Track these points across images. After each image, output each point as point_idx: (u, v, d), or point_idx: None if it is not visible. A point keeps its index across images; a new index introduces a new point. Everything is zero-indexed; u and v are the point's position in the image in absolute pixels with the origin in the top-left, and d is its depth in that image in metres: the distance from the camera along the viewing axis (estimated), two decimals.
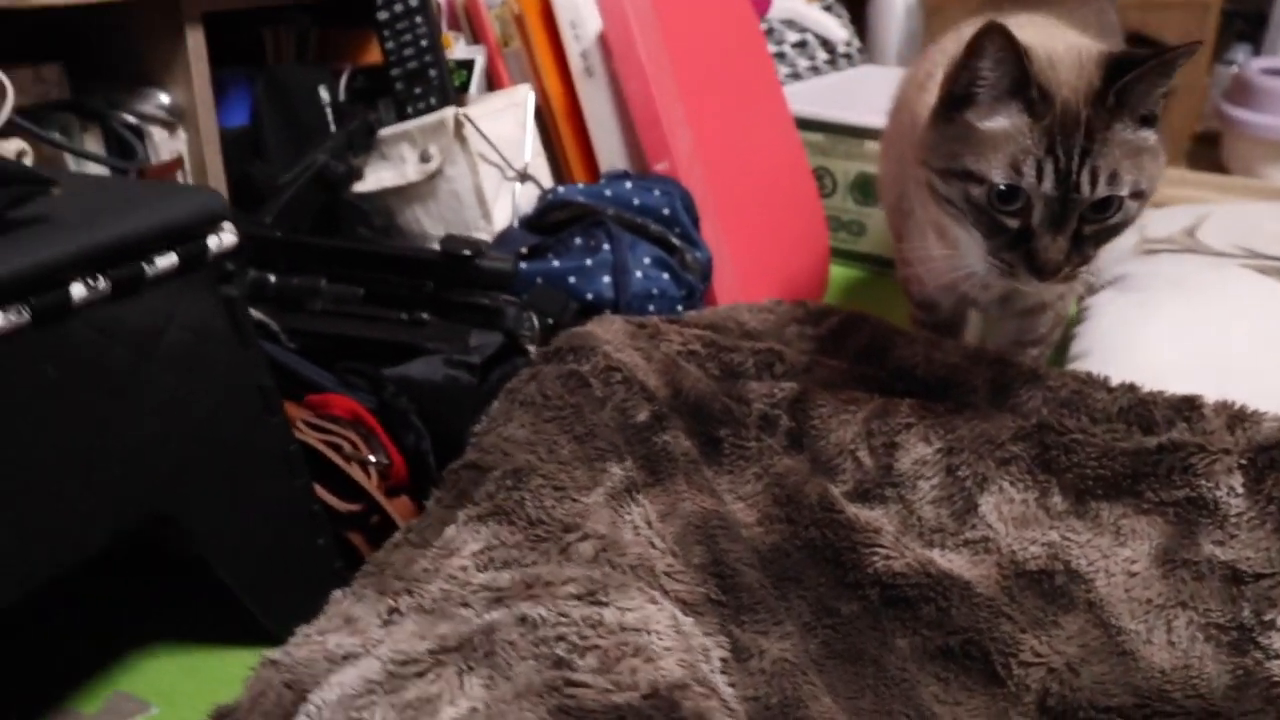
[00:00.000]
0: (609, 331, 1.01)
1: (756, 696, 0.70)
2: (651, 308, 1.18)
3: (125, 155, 1.13)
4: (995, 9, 0.95)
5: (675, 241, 1.24)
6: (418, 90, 1.31)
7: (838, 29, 2.09)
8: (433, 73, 1.30)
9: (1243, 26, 2.63)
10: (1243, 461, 0.82)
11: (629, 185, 1.27)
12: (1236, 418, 0.89)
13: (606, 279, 1.19)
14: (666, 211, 1.25)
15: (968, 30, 0.88)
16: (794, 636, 0.78)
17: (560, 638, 0.62)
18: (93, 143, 1.14)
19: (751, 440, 0.94)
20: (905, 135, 1.01)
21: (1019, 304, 1.06)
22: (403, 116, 1.32)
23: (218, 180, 1.22)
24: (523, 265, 1.20)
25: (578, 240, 1.22)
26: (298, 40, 1.41)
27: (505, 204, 1.29)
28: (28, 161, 1.03)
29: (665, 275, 1.21)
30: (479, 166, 1.26)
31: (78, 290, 0.68)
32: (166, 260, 0.74)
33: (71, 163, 1.10)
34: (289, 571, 0.91)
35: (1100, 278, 1.20)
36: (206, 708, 0.66)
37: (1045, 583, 0.82)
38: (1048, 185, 0.82)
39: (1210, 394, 0.90)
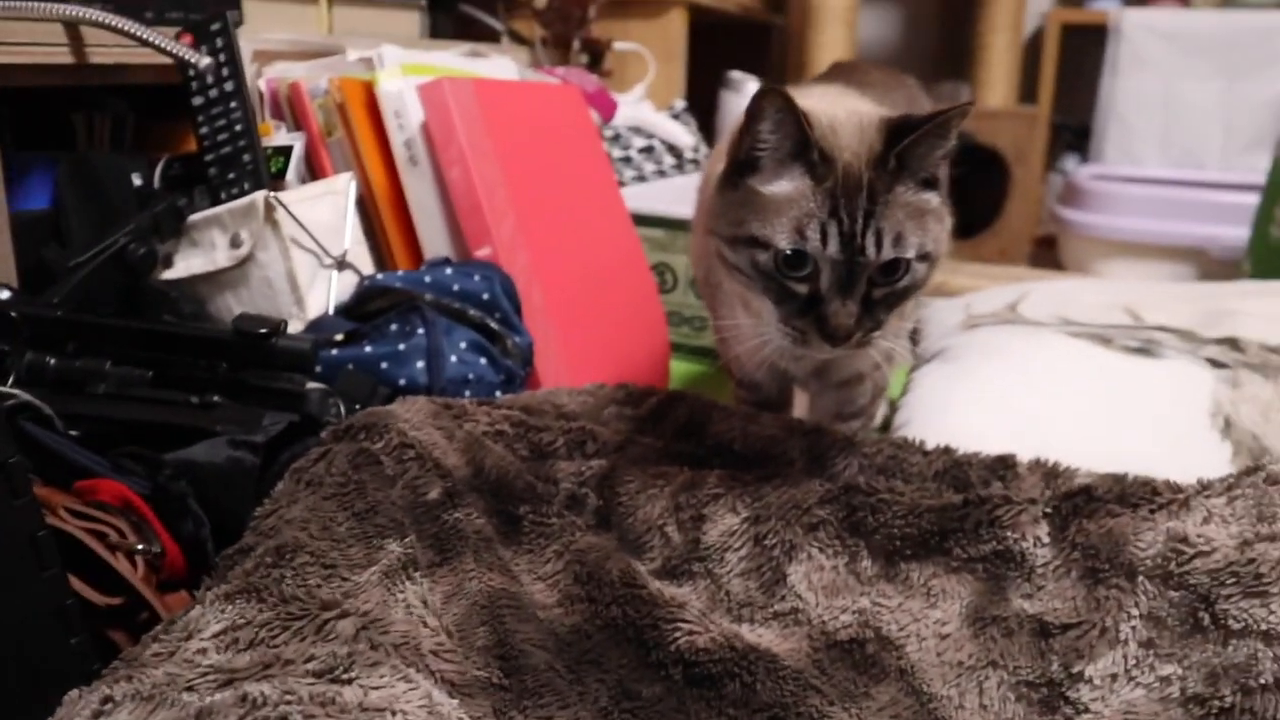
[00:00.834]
0: (409, 410, 0.95)
1: None
2: (468, 393, 1.13)
3: None
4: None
5: (495, 326, 1.20)
6: (231, 175, 1.26)
7: (684, 135, 2.13)
8: (246, 157, 1.25)
9: (1070, 138, 2.78)
10: (1048, 510, 0.79)
11: (449, 271, 1.23)
12: (1050, 474, 0.88)
13: (420, 364, 1.13)
14: (486, 296, 1.21)
15: None
16: None
17: (283, 718, 0.55)
18: None
19: (554, 517, 0.88)
20: (705, 206, 1.00)
21: (835, 376, 1.04)
22: (216, 202, 1.26)
23: (5, 262, 1.13)
24: (334, 352, 1.14)
25: (393, 326, 1.17)
26: (114, 127, 1.35)
27: (321, 291, 1.24)
28: None
29: (482, 360, 1.16)
30: (292, 252, 1.21)
31: None
32: None
33: None
34: (35, 674, 0.80)
35: (927, 353, 1.20)
36: None
37: (856, 652, 0.77)
38: (833, 249, 0.80)
39: (1024, 452, 0.89)
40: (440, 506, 0.85)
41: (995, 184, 2.54)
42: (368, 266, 1.30)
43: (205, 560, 0.90)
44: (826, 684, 0.74)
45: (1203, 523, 0.77)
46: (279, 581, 0.71)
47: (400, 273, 1.26)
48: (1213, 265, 2.21)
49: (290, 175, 1.31)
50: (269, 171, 1.28)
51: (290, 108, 1.37)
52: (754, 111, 0.82)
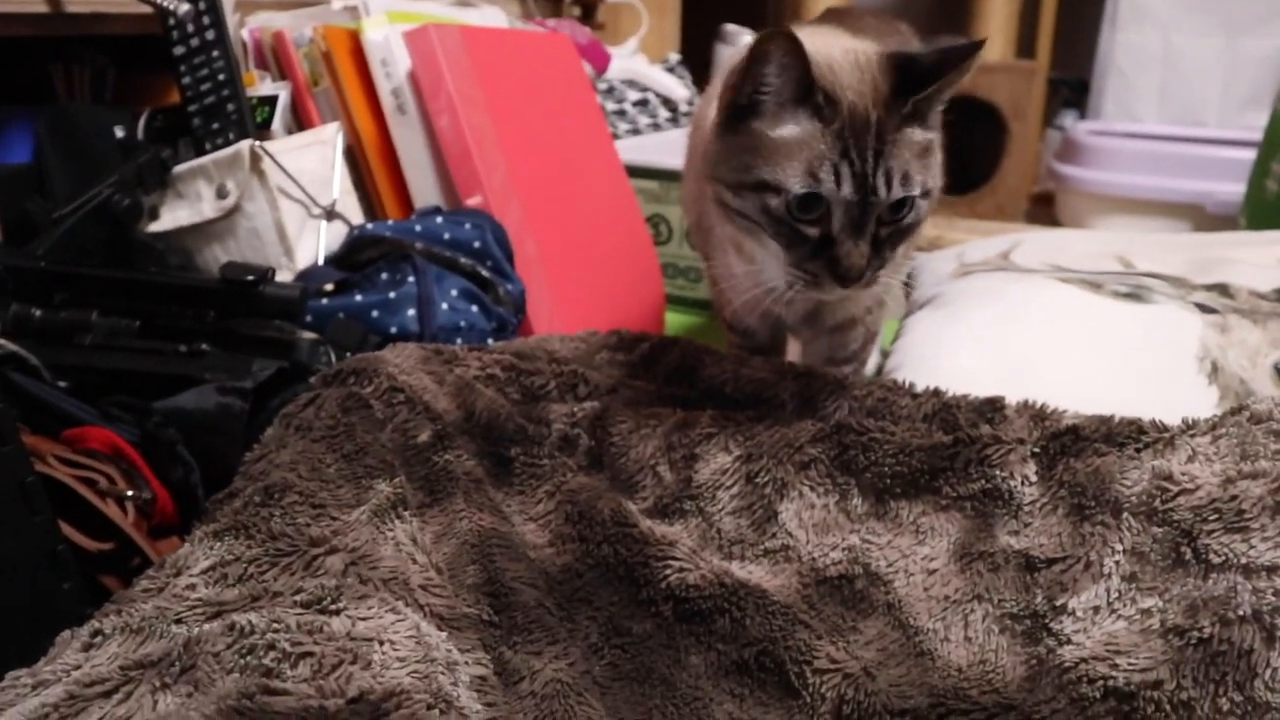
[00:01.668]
0: (399, 355, 0.95)
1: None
2: (459, 340, 1.13)
3: None
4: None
5: (486, 274, 1.19)
6: (215, 125, 1.25)
7: (679, 88, 2.11)
8: (231, 107, 1.24)
9: (1068, 93, 2.76)
10: (1036, 450, 0.79)
11: (439, 220, 1.22)
12: (1038, 416, 0.87)
13: (411, 312, 1.13)
14: (477, 244, 1.20)
15: None
16: (573, 658, 0.71)
17: (271, 645, 0.55)
18: None
19: (545, 459, 0.88)
20: (699, 151, 0.99)
21: (827, 321, 1.04)
22: (201, 153, 1.25)
23: None
24: (325, 301, 1.13)
25: (383, 275, 1.16)
26: (94, 80, 1.34)
27: (310, 242, 1.23)
28: None
29: (474, 308, 1.16)
30: (279, 202, 1.20)
31: None
32: None
33: None
34: (29, 618, 0.81)
35: (919, 300, 1.19)
36: None
37: (845, 588, 0.77)
38: (847, 190, 0.80)
39: (1012, 394, 0.88)
40: (430, 449, 0.85)
41: (992, 140, 2.53)
42: (357, 216, 1.29)
43: (196, 506, 0.90)
44: (815, 619, 0.74)
45: (1187, 461, 0.77)
46: (267, 519, 0.72)
47: (390, 222, 1.25)
48: (1209, 221, 2.20)
49: (276, 125, 1.29)
50: (254, 121, 1.27)
51: (275, 57, 1.35)
52: (758, 54, 0.81)
